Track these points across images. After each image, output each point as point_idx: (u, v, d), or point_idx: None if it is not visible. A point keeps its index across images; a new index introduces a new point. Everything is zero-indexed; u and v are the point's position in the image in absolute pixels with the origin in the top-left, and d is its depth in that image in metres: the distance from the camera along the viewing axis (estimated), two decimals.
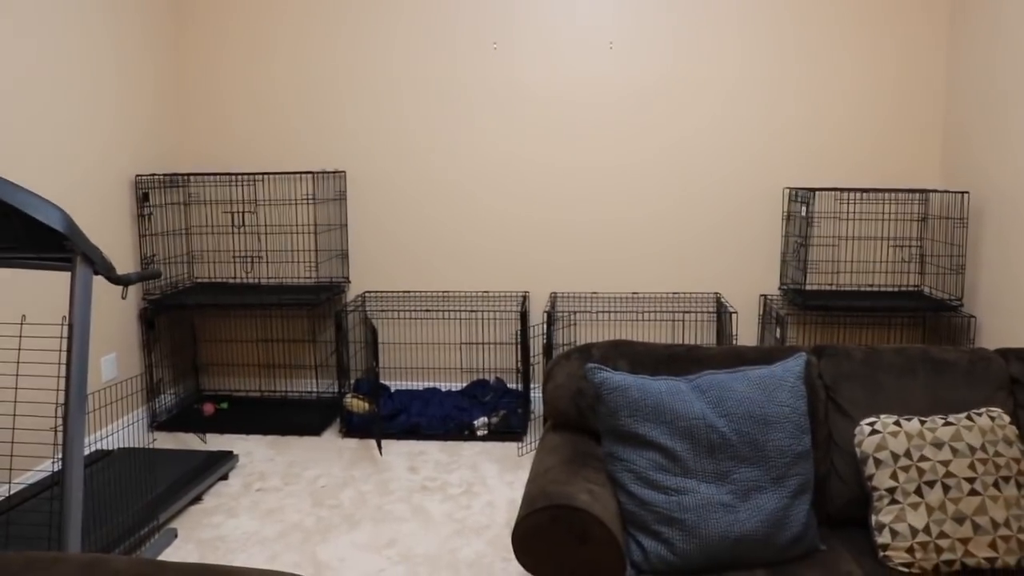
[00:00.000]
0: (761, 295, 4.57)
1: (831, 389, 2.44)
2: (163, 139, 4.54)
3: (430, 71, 4.58)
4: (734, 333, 4.46)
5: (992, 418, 2.25)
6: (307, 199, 4.66)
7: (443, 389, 4.78)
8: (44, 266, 2.64)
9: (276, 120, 4.69)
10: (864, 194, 4.40)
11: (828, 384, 2.45)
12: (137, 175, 4.28)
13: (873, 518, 2.18)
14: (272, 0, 4.62)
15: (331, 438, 4.28)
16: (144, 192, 4.31)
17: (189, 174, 4.50)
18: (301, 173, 4.35)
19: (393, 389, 4.80)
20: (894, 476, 2.17)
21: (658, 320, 4.63)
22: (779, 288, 4.55)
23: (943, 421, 2.24)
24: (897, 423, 2.25)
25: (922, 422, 2.24)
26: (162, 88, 4.53)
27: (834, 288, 4.47)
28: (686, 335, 4.60)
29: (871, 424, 2.27)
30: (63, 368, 3.47)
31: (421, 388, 4.81)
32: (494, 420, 4.28)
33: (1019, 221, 3.64)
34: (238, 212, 4.71)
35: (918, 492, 2.14)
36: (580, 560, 1.99)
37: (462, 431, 4.25)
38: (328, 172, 4.55)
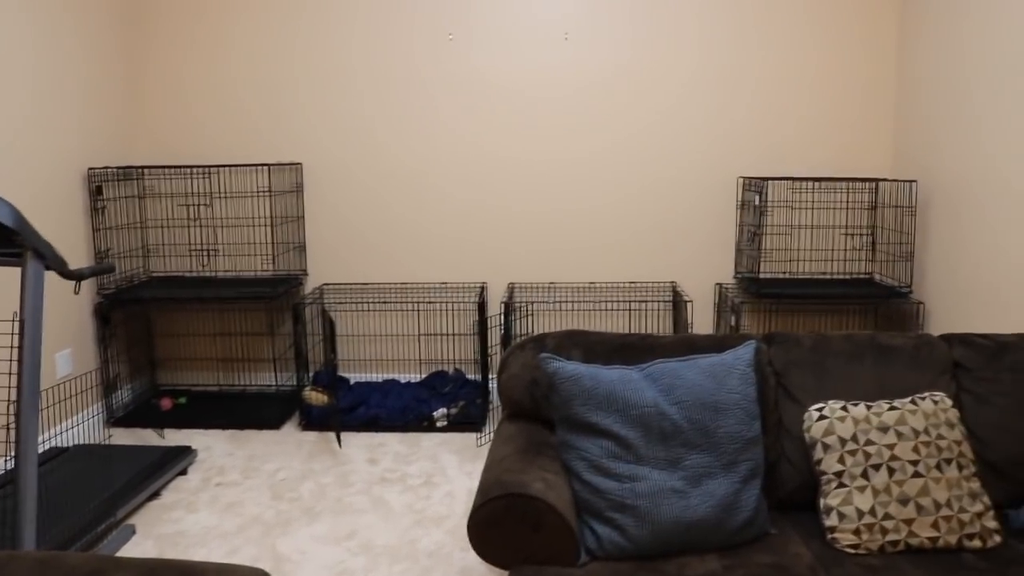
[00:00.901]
0: (716, 284, 4.63)
1: (781, 376, 2.49)
2: (117, 131, 4.48)
3: (386, 62, 4.57)
4: (690, 322, 4.52)
5: (935, 402, 2.32)
6: (263, 191, 4.62)
7: (402, 381, 4.79)
8: None
9: (232, 112, 4.65)
10: (816, 183, 4.48)
11: (778, 371, 2.50)
12: (90, 168, 4.22)
13: (821, 501, 2.24)
14: None
15: (290, 431, 4.27)
16: (97, 185, 4.25)
17: (144, 167, 4.45)
18: (257, 165, 4.31)
19: (352, 381, 4.79)
20: (841, 460, 2.23)
21: (615, 310, 4.68)
22: (734, 277, 4.61)
23: (888, 406, 2.30)
24: (844, 408, 2.30)
25: (868, 407, 2.30)
26: (116, 80, 4.46)
27: (788, 276, 4.55)
28: (643, 324, 4.66)
29: (819, 410, 2.33)
30: (15, 365, 3.42)
31: (380, 380, 4.81)
32: (453, 411, 4.30)
33: (964, 209, 3.73)
34: (194, 205, 4.66)
35: (864, 475, 2.20)
36: (534, 547, 2.02)
37: (421, 422, 4.27)
38: (284, 164, 4.52)
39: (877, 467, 2.20)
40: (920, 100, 4.15)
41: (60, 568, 1.92)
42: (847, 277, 4.53)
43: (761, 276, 4.53)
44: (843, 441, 2.25)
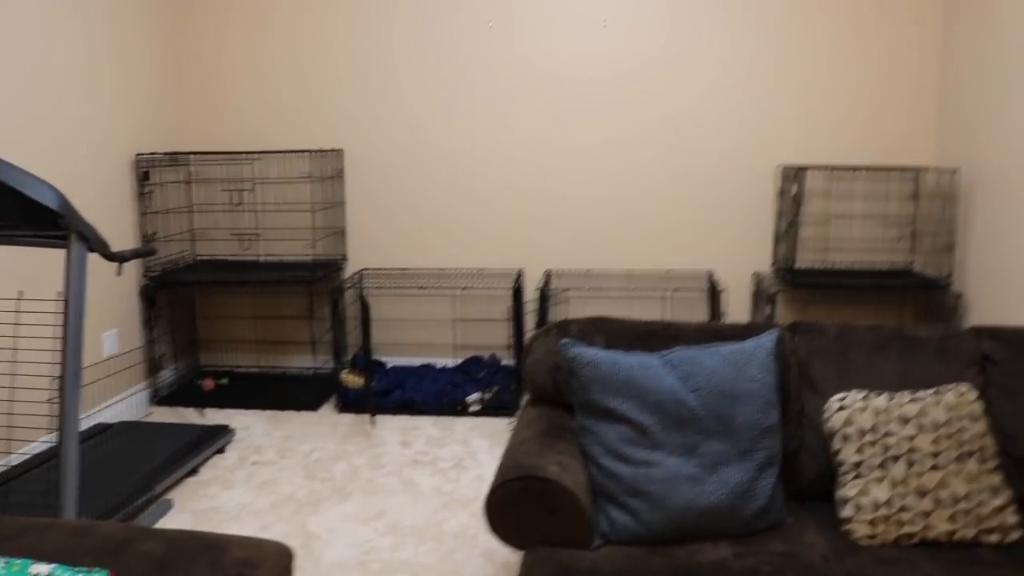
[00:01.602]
0: (753, 273, 4.61)
1: (804, 365, 2.49)
2: (163, 118, 4.60)
3: (427, 50, 4.62)
4: (724, 311, 4.51)
5: (960, 394, 2.30)
6: (305, 177, 4.72)
7: (438, 365, 4.86)
8: (40, 243, 2.71)
9: (275, 98, 4.75)
10: (855, 172, 4.42)
11: (801, 360, 2.50)
12: (138, 154, 4.34)
13: (838, 492, 2.24)
14: None
15: (327, 413, 4.36)
16: (145, 171, 4.38)
17: (190, 152, 4.56)
18: (299, 152, 4.40)
19: (389, 365, 4.87)
20: (860, 451, 2.23)
21: (651, 297, 4.68)
22: (771, 266, 4.59)
23: (910, 397, 2.29)
24: (865, 399, 2.29)
25: (890, 398, 2.29)
26: (161, 67, 4.59)
27: (825, 266, 4.50)
28: (678, 312, 4.66)
29: (840, 400, 2.32)
30: (60, 342, 3.55)
31: (417, 364, 4.88)
32: (487, 396, 4.35)
33: (1008, 198, 3.66)
34: (237, 190, 4.77)
35: (882, 466, 2.19)
36: (549, 529, 2.06)
37: (455, 407, 4.33)
38: (326, 150, 4.60)
39: (896, 458, 2.19)
40: (964, 86, 4.07)
41: (94, 536, 2.01)
42: (886, 268, 4.48)
43: (798, 266, 4.50)
44: (862, 432, 2.24)
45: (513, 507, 2.05)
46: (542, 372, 2.53)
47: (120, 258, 2.86)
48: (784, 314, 4.60)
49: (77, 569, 1.74)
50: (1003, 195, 3.69)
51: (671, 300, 4.67)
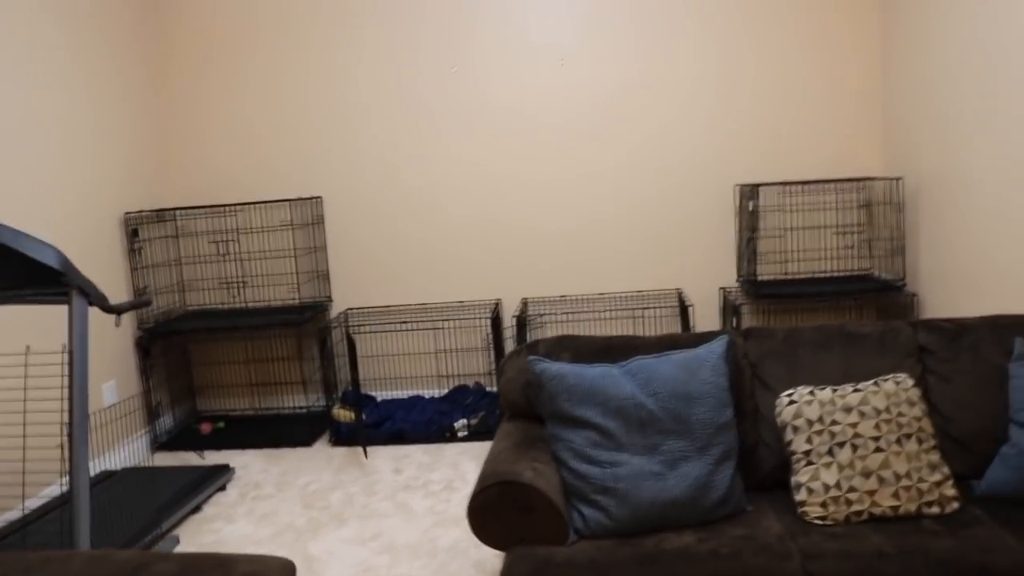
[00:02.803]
0: (720, 288, 4.84)
1: (756, 367, 2.70)
2: (148, 176, 4.82)
3: (396, 96, 4.87)
4: (692, 325, 4.72)
5: (897, 383, 2.51)
6: (286, 225, 4.94)
7: (427, 396, 5.05)
8: (44, 301, 2.91)
9: (254, 152, 4.98)
10: (807, 186, 4.68)
11: (753, 362, 2.71)
12: (126, 212, 4.56)
13: (792, 479, 2.44)
14: (244, 38, 4.91)
15: (321, 448, 4.54)
16: (134, 228, 4.59)
17: (176, 208, 4.78)
18: (280, 201, 4.63)
19: (380, 399, 5.06)
20: (809, 440, 2.44)
21: (624, 318, 4.90)
22: (736, 280, 4.82)
23: (852, 388, 2.50)
24: (811, 393, 2.51)
25: (834, 390, 2.50)
26: (143, 128, 4.82)
27: (787, 277, 4.74)
28: (650, 330, 4.87)
29: (788, 396, 2.53)
30: (67, 392, 3.74)
31: (406, 396, 5.07)
32: (473, 422, 4.54)
33: (948, 203, 3.91)
34: (223, 241, 4.99)
35: (830, 453, 2.40)
36: (527, 529, 2.25)
37: (444, 434, 4.51)
38: (305, 198, 4.83)
39: (841, 444, 2.40)
40: (903, 97, 4.34)
41: (112, 562, 2.20)
42: (846, 274, 4.71)
43: (761, 278, 4.73)
44: (810, 423, 2.45)
45: (493, 510, 2.24)
46: (515, 389, 2.74)
47: (118, 310, 3.06)
48: (749, 325, 4.83)
49: None
50: (943, 200, 3.94)
51: (643, 319, 4.89)
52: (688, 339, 2.75)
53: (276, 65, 4.92)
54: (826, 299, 4.57)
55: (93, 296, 2.89)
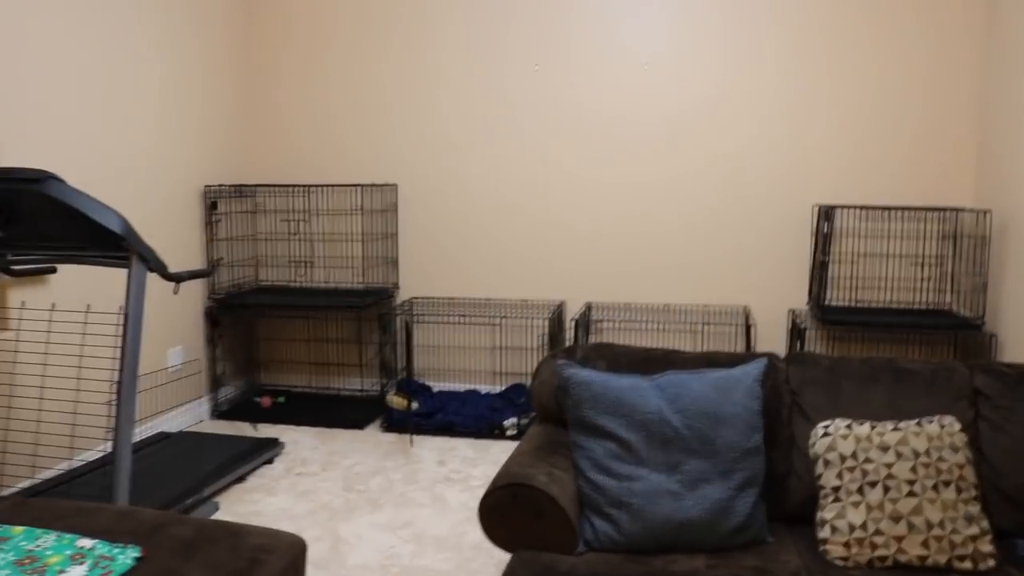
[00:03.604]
0: (789, 309, 4.70)
1: (796, 393, 2.61)
2: (230, 152, 4.99)
3: (476, 91, 4.90)
4: (753, 345, 4.60)
5: (942, 426, 2.39)
6: (356, 210, 5.03)
7: (483, 391, 5.06)
8: (105, 263, 3.04)
9: (333, 136, 5.09)
10: (887, 212, 4.49)
11: (794, 389, 2.62)
12: (207, 185, 4.72)
13: (818, 514, 2.35)
14: (328, 23, 5.02)
15: (372, 432, 4.61)
16: (213, 201, 4.75)
17: (255, 185, 4.92)
18: (353, 185, 4.72)
19: (436, 389, 5.10)
20: (839, 476, 2.34)
21: (685, 331, 4.81)
22: (807, 303, 4.67)
23: (892, 426, 2.39)
24: (848, 427, 2.41)
25: (872, 427, 2.40)
26: (229, 106, 4.98)
27: (859, 305, 4.56)
28: (711, 346, 4.77)
29: (824, 427, 2.44)
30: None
31: (463, 390, 5.10)
32: (524, 421, 4.54)
33: None
34: (294, 220, 5.11)
35: (860, 491, 2.30)
36: (536, 533, 2.23)
37: (493, 430, 4.52)
38: (378, 185, 4.90)
39: (873, 484, 2.30)
40: (1001, 127, 4.12)
41: (134, 519, 2.28)
42: (921, 308, 4.51)
43: (831, 303, 4.57)
44: (843, 458, 2.36)
45: (503, 512, 2.24)
46: (547, 392, 2.72)
47: (177, 278, 3.17)
48: (816, 350, 4.67)
49: (116, 545, 2.00)
50: None
51: (705, 334, 4.79)
52: (728, 358, 2.68)
53: (358, 52, 5.01)
54: (895, 330, 4.39)
55: (152, 262, 2.99)
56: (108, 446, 4.00)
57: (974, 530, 2.26)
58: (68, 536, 2.07)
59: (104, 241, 2.91)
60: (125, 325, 2.91)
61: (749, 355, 2.68)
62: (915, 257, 4.51)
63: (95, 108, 3.88)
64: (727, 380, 2.44)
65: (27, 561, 1.90)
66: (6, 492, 3.43)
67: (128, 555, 1.95)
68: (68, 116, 3.73)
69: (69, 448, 3.53)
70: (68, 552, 1.95)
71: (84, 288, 3.83)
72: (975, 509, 2.29)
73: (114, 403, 3.97)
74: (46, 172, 2.74)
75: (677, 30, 4.66)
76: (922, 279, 4.51)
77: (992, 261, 4.14)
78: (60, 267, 3.70)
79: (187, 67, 4.52)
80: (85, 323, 3.41)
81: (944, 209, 4.24)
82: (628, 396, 2.38)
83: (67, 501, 2.41)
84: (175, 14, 4.42)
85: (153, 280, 4.26)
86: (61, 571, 1.85)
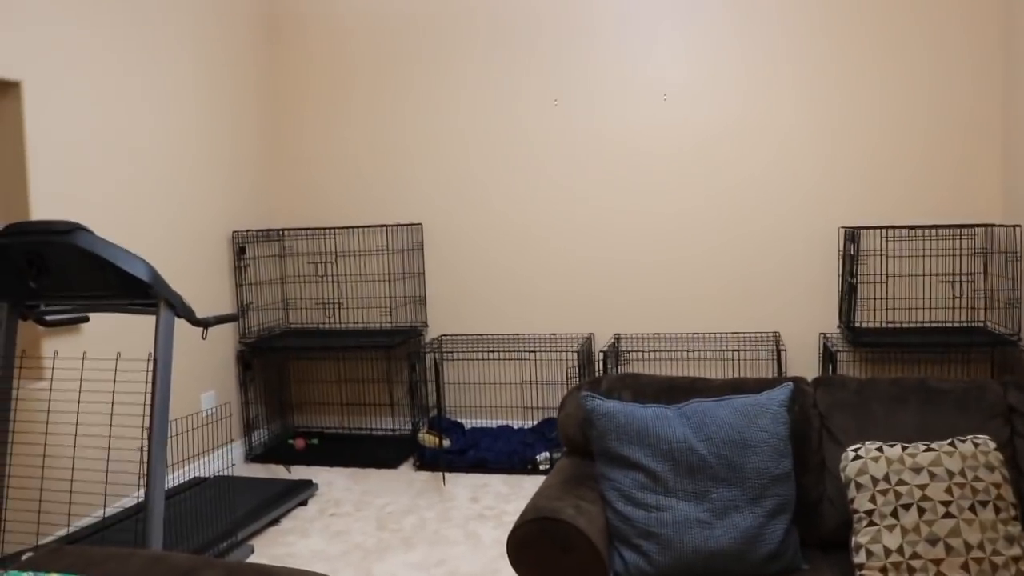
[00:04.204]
0: (820, 333, 4.65)
1: (825, 417, 2.58)
2: (257, 198, 5.08)
3: (496, 128, 4.95)
4: (784, 371, 4.55)
5: (976, 445, 2.34)
6: (382, 250, 5.08)
7: (515, 427, 5.05)
8: (134, 310, 3.10)
9: (357, 179, 5.16)
10: (915, 231, 4.44)
11: (823, 413, 2.59)
12: (234, 230, 4.80)
13: (852, 539, 2.31)
14: (350, 69, 5.11)
15: (405, 471, 4.61)
16: (241, 246, 4.82)
17: (283, 229, 4.99)
18: (378, 226, 4.77)
19: (468, 426, 5.10)
20: (872, 499, 2.30)
21: (716, 359, 4.77)
22: (838, 326, 4.62)
23: (925, 447, 2.35)
24: (879, 449, 2.37)
25: (904, 448, 2.36)
26: (260, 153, 5.08)
27: (890, 326, 4.50)
28: (742, 373, 4.72)
29: (855, 450, 2.40)
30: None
31: (495, 426, 5.09)
32: (556, 455, 4.51)
33: None
34: (321, 262, 5.18)
35: (894, 514, 2.26)
36: (564, 568, 2.21)
37: (526, 465, 4.50)
38: (403, 224, 4.95)
39: (907, 507, 2.25)
40: None
41: (165, 564, 2.30)
42: (956, 326, 4.44)
43: (862, 325, 4.51)
44: (875, 480, 2.31)
45: (531, 546, 2.22)
46: (573, 425, 2.71)
47: (204, 323, 3.22)
48: (850, 374, 4.60)
49: None
50: None
51: (736, 361, 4.74)
52: (754, 384, 2.65)
53: (378, 96, 5.09)
54: (929, 350, 4.32)
55: (180, 308, 3.04)
56: (142, 492, 4.04)
57: (1015, 551, 2.20)
58: None
59: (132, 289, 2.96)
60: (155, 371, 2.95)
61: (775, 380, 2.66)
62: (945, 275, 4.45)
63: (127, 159, 3.98)
64: (753, 406, 2.41)
65: None
66: (44, 540, 3.48)
67: None
68: (98, 168, 3.83)
69: (104, 495, 3.57)
70: None
71: (115, 336, 3.90)
72: (1016, 529, 2.23)
73: (146, 448, 4.04)
74: (75, 224, 2.81)
75: (696, 58, 4.68)
76: (954, 297, 4.44)
77: (1023, 276, 4.07)
78: (91, 316, 3.77)
79: (217, 119, 4.63)
80: (116, 370, 3.47)
81: (972, 225, 4.19)
82: (653, 425, 2.36)
83: (101, 548, 2.43)
84: (206, 67, 4.54)
85: (184, 326, 4.32)
86: None
